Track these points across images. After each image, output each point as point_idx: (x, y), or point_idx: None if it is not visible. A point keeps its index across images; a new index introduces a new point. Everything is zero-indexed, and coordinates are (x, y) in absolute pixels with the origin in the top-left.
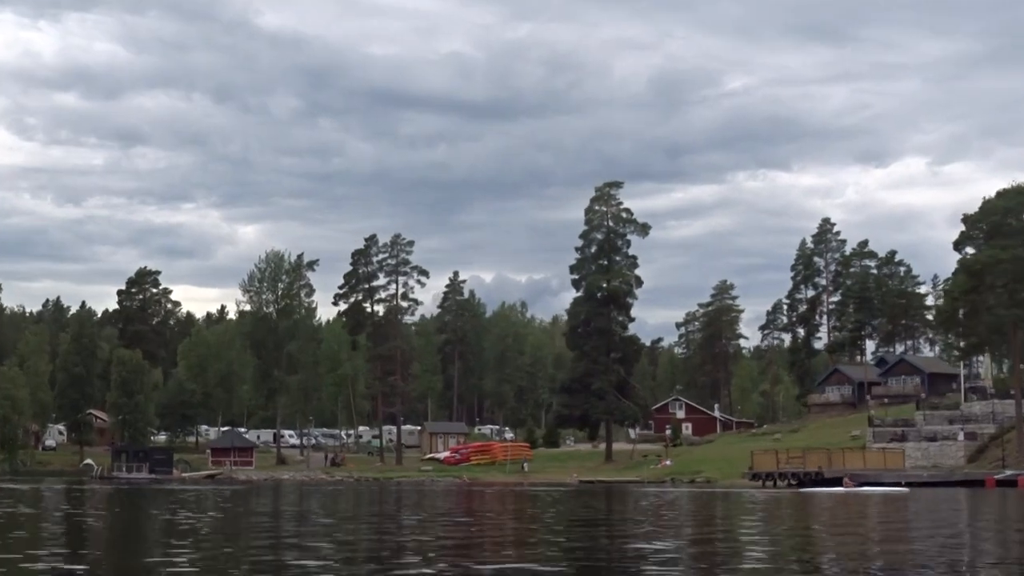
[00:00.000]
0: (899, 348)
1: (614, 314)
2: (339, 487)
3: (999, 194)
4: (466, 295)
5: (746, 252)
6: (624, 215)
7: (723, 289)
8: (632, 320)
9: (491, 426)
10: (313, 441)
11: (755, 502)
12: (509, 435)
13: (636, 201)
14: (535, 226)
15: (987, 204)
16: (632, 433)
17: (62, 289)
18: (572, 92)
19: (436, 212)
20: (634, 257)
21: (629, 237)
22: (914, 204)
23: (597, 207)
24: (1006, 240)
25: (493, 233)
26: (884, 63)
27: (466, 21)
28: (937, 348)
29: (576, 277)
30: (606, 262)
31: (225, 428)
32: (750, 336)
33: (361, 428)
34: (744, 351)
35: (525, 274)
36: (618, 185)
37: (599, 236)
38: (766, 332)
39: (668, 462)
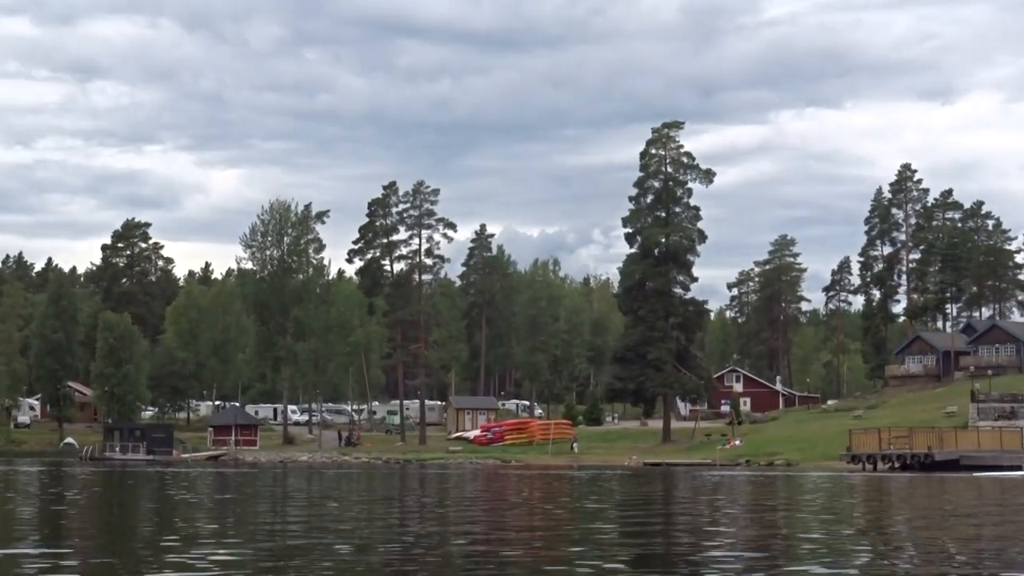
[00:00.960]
0: (984, 313)
1: (673, 273)
2: (368, 469)
3: None
4: (494, 251)
5: (791, 203)
6: (685, 160)
7: (783, 245)
8: (695, 280)
9: (516, 401)
10: (318, 418)
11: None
12: (538, 411)
13: None
14: (550, 173)
15: None
16: (683, 408)
17: (8, 244)
18: (594, 21)
19: (438, 156)
20: (696, 208)
21: (690, 185)
22: (985, 148)
23: (654, 151)
24: None
25: (502, 180)
26: None
27: None
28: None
29: (630, 231)
30: (664, 213)
31: (218, 403)
32: (811, 299)
33: (373, 403)
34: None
35: (538, 227)
36: (678, 126)
37: (656, 184)
38: (831, 295)
39: (737, 442)
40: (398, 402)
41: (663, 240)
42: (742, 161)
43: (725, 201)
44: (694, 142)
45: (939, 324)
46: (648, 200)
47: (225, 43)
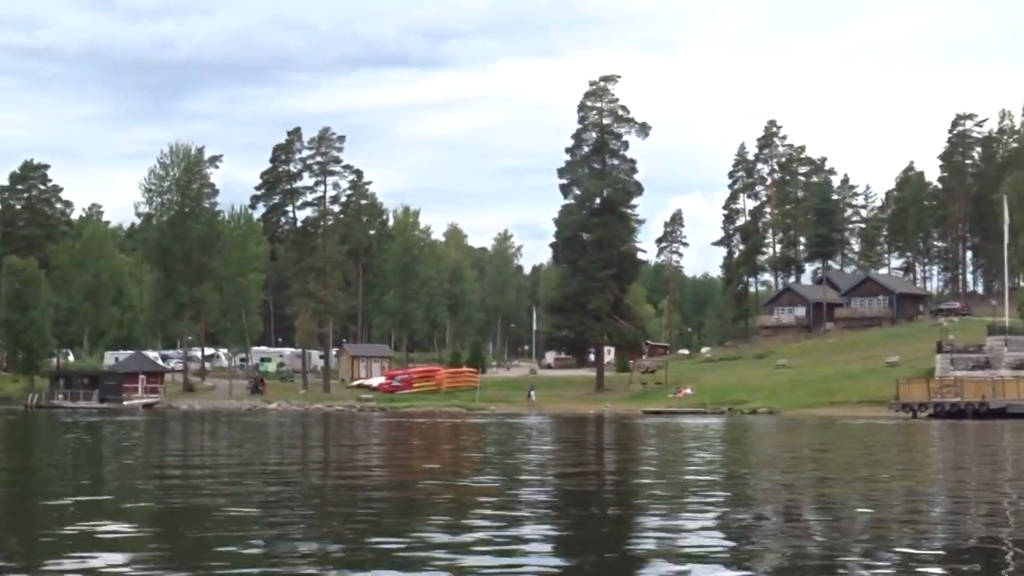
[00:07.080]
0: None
1: (611, 225)
2: (309, 419)
3: None
4: (369, 199)
5: (512, 152)
6: (621, 112)
7: None
8: (633, 231)
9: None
10: (178, 364)
11: None
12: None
13: (391, 90)
14: (274, 118)
15: None
16: (548, 357)
17: None
18: None
19: (158, 97)
20: (633, 161)
21: (626, 138)
22: (707, 104)
23: (590, 103)
24: None
25: (224, 124)
26: None
27: None
28: (852, 267)
29: (565, 182)
30: (600, 165)
31: (65, 350)
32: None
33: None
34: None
35: (256, 172)
36: (614, 79)
37: (593, 135)
38: (663, 246)
39: (689, 390)
40: (268, 349)
41: (602, 192)
42: (469, 108)
43: (449, 149)
44: (418, 89)
45: (792, 277)
46: (584, 151)
47: None
